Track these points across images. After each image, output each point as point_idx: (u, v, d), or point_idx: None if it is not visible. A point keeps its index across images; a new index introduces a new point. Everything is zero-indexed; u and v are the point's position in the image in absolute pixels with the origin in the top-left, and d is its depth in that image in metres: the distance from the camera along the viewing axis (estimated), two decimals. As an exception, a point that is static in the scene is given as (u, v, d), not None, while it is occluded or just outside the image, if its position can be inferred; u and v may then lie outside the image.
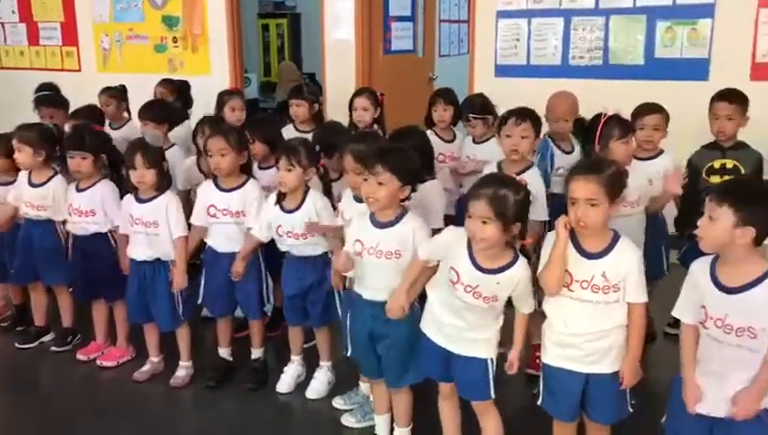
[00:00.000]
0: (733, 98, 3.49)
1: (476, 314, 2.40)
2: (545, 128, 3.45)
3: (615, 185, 2.24)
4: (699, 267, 2.18)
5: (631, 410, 2.38)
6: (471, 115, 3.97)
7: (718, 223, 2.03)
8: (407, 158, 2.63)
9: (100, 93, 4.79)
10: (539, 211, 2.87)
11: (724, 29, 4.75)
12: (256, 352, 3.47)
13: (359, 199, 2.82)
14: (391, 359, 2.68)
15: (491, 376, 2.48)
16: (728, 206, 2.01)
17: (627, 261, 2.26)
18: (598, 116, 3.16)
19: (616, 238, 2.30)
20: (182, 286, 3.30)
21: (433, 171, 3.25)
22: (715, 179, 3.41)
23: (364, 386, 3.15)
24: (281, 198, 3.12)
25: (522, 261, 2.37)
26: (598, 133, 3.08)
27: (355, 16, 5.97)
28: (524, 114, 3.11)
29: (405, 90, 5.88)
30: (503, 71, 5.52)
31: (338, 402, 3.18)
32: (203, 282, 3.40)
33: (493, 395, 2.50)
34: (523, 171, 3.00)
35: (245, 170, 3.32)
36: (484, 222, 2.26)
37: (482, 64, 5.60)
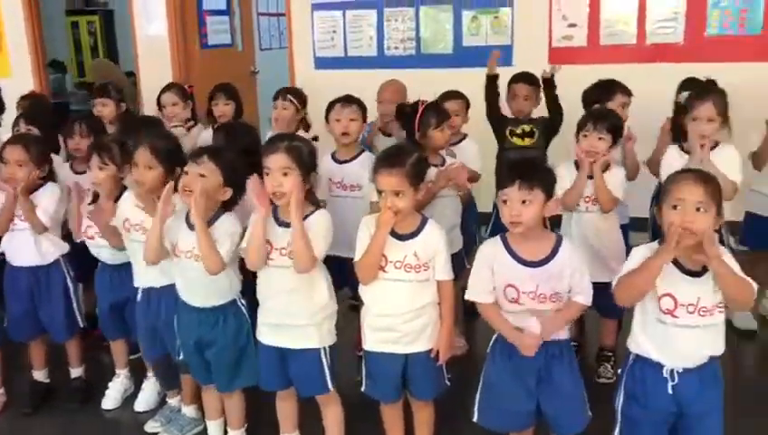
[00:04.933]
0: (532, 80, 3.77)
1: (296, 293, 2.41)
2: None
3: (417, 173, 2.33)
4: (492, 250, 2.28)
5: (448, 384, 2.50)
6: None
7: (534, 204, 2.16)
8: (233, 158, 2.58)
9: None
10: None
11: (523, 17, 5.08)
12: (75, 371, 3.28)
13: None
14: (221, 364, 2.61)
15: (326, 367, 2.49)
16: (539, 187, 2.16)
17: (434, 241, 2.37)
18: (416, 104, 3.21)
19: (424, 221, 2.40)
20: None
21: (260, 170, 3.18)
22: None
23: (173, 401, 3.05)
24: (95, 201, 2.93)
25: (322, 210, 2.43)
26: (417, 121, 3.14)
27: (167, 11, 5.77)
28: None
29: (226, 85, 5.76)
30: (322, 63, 5.58)
31: (152, 426, 2.99)
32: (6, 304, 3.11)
33: (331, 388, 2.53)
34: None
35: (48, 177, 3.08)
36: (285, 173, 2.32)
37: (301, 57, 5.63)
